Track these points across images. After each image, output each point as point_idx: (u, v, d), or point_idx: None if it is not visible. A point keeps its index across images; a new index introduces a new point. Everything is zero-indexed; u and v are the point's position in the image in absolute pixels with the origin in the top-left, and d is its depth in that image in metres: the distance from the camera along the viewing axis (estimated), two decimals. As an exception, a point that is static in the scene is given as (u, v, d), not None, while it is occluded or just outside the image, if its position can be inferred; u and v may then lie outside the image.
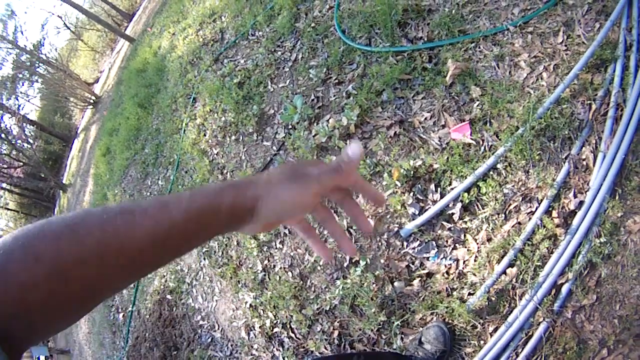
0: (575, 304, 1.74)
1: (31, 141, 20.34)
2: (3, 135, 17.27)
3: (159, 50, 7.69)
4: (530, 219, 1.95)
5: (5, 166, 17.52)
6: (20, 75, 21.93)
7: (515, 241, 1.92)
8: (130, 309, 4.69)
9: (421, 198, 2.31)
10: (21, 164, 18.28)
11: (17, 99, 23.62)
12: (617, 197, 1.79)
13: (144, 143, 6.14)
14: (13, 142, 18.01)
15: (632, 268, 1.67)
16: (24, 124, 19.45)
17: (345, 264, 2.49)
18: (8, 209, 28.10)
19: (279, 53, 3.82)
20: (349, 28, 3.22)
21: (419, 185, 2.33)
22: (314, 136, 2.91)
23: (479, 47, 2.47)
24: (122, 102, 8.67)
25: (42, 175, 18.05)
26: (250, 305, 2.96)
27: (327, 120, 2.90)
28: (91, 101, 16.94)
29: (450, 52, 2.54)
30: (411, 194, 2.33)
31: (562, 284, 1.79)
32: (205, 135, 4.28)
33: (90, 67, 24.56)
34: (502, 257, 1.95)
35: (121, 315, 5.08)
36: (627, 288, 1.67)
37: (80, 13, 18.65)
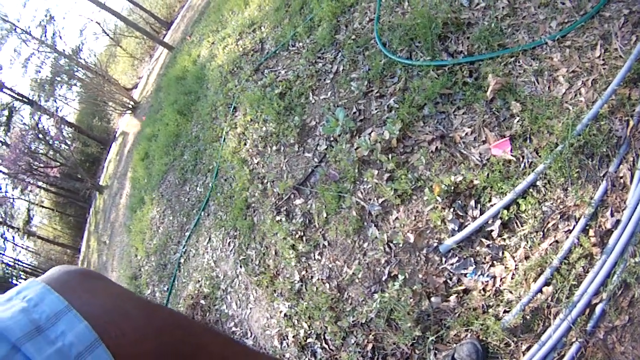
0: (608, 325, 1.72)
1: (69, 142, 20.94)
2: (40, 136, 17.86)
3: (199, 59, 7.87)
4: (567, 237, 1.93)
5: (42, 165, 18.08)
6: (59, 79, 22.64)
7: (552, 259, 1.90)
8: (162, 312, 4.78)
9: (461, 214, 2.31)
10: (58, 164, 18.85)
11: (56, 101, 24.45)
12: None
13: (183, 149, 6.27)
14: (50, 143, 18.61)
15: None
16: (62, 126, 20.06)
17: (383, 278, 2.50)
18: (43, 207, 28.98)
19: (320, 64, 3.87)
20: (390, 41, 3.25)
21: (459, 201, 2.33)
22: (355, 149, 2.93)
23: (519, 62, 2.47)
24: (162, 109, 8.89)
25: (79, 176, 18.60)
26: (285, 314, 2.99)
27: (369, 134, 2.92)
28: (130, 106, 17.39)
29: (490, 66, 2.54)
30: (451, 209, 2.33)
31: (596, 304, 1.76)
32: (245, 144, 4.35)
33: (129, 73, 25.23)
34: (539, 275, 1.93)
35: (154, 317, 5.18)
36: None
37: (119, 20, 19.20)
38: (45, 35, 23.47)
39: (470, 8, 2.89)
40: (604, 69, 2.14)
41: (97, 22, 25.40)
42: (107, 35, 26.18)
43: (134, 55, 25.32)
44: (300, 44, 4.39)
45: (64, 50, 21.15)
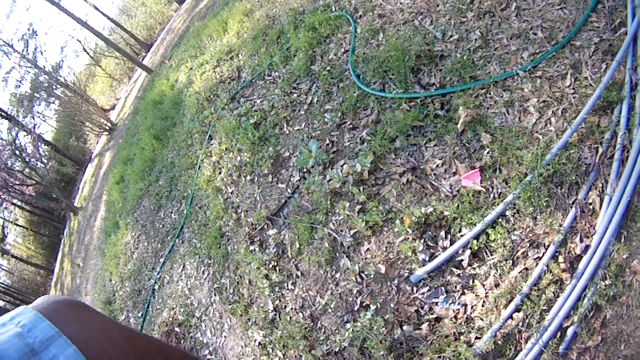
0: (581, 346, 1.76)
1: (45, 161, 20.51)
2: (17, 152, 17.49)
3: (176, 84, 7.87)
4: (537, 264, 1.99)
5: (17, 182, 17.67)
6: (37, 95, 22.29)
7: (522, 286, 1.96)
8: (137, 337, 4.69)
9: (431, 245, 2.36)
10: (34, 182, 18.43)
11: (34, 118, 23.99)
12: (622, 239, 1.83)
13: (159, 175, 6.23)
14: (27, 160, 18.22)
15: (637, 308, 1.69)
16: (39, 143, 19.63)
17: (356, 307, 2.51)
18: (17, 225, 28.18)
19: (295, 95, 3.93)
20: (364, 73, 3.32)
21: (430, 232, 2.38)
22: (328, 181, 2.97)
23: (490, 93, 2.55)
24: (138, 132, 8.82)
25: (54, 196, 18.17)
26: (260, 343, 2.98)
27: (342, 166, 2.97)
28: (107, 127, 17.18)
29: (461, 98, 2.63)
30: (422, 240, 2.38)
31: (567, 327, 1.81)
32: (220, 173, 4.36)
33: (107, 94, 24.97)
34: (509, 302, 1.98)
35: (128, 344, 5.07)
36: (632, 328, 1.69)
37: (99, 39, 19.11)
38: (27, 50, 23.12)
39: (444, 40, 2.99)
40: (574, 97, 2.23)
41: (78, 39, 25.23)
42: (88, 54, 25.99)
43: (113, 75, 25.15)
44: (276, 73, 4.45)
45: (44, 67, 20.84)
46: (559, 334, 1.82)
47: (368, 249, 2.61)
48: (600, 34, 2.34)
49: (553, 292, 1.89)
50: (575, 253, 1.92)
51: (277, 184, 3.54)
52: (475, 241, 2.16)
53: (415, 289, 2.33)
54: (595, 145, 2.06)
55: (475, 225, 2.20)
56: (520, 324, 1.92)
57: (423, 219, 2.38)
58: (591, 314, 1.78)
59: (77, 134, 24.15)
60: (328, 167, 3.10)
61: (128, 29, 22.01)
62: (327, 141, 3.25)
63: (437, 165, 2.57)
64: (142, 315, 4.77)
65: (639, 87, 2.08)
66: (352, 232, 2.73)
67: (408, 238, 2.43)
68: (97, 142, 20.74)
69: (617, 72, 2.15)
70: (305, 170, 3.28)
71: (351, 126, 3.16)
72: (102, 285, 6.92)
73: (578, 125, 2.09)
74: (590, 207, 1.97)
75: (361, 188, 2.75)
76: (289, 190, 3.39)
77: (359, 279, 2.56)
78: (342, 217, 2.82)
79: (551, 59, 2.40)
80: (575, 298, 1.82)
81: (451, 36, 2.96)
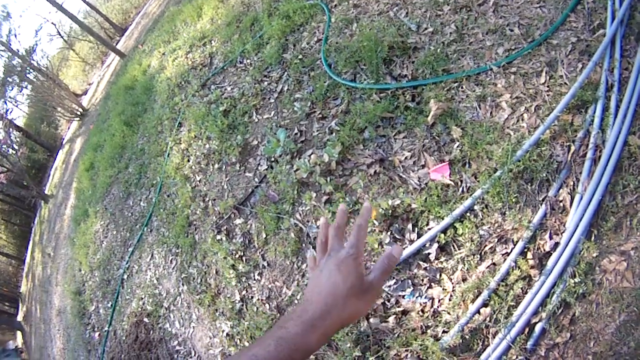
0: (549, 342, 1.77)
1: (16, 147, 19.96)
2: (-12, 139, 16.98)
3: (149, 69, 7.71)
4: (505, 260, 1.99)
5: (-12, 170, 17.19)
6: (10, 80, 21.60)
7: (489, 282, 1.96)
8: (106, 328, 4.62)
9: (398, 237, 2.34)
10: (5, 169, 17.94)
11: (6, 103, 23.26)
12: (592, 238, 1.84)
13: (128, 162, 6.11)
14: (-2, 147, 17.72)
15: (606, 306, 1.71)
16: (10, 129, 19.12)
17: (321, 300, 2.49)
18: (-13, 214, 27.39)
19: (265, 83, 3.87)
20: (335, 62, 3.28)
21: (397, 225, 2.37)
22: (295, 171, 2.93)
23: (462, 87, 2.54)
24: (109, 118, 8.62)
25: (25, 184, 17.72)
26: (227, 334, 2.95)
27: (309, 156, 2.93)
28: (78, 113, 16.72)
29: (433, 91, 2.61)
30: (389, 233, 2.37)
31: (535, 323, 1.82)
32: (189, 161, 4.29)
33: (79, 78, 24.31)
34: (477, 296, 1.98)
35: (97, 334, 5.00)
36: (601, 325, 1.70)
37: (74, 23, 18.55)
38: (1, 33, 22.36)
39: (418, 32, 2.96)
40: (548, 95, 2.23)
41: (53, 23, 24.45)
42: (62, 37, 25.22)
43: (86, 60, 24.47)
44: (248, 60, 4.38)
45: (18, 50, 20.12)
46: (526, 330, 1.83)
47: (334, 241, 2.59)
48: (578, 34, 2.34)
49: (521, 288, 1.90)
50: (544, 250, 1.93)
51: (245, 172, 3.49)
52: (443, 235, 2.16)
53: (382, 281, 2.32)
54: (568, 144, 2.06)
55: (443, 218, 2.20)
56: (488, 319, 1.92)
57: (390, 211, 2.37)
58: (560, 311, 1.79)
59: (49, 119, 23.49)
60: (296, 157, 3.07)
61: (103, 12, 21.39)
62: (296, 130, 3.21)
63: (406, 158, 2.55)
64: (111, 305, 4.70)
65: (614, 88, 2.08)
66: (318, 223, 2.70)
67: (375, 230, 2.41)
68: (69, 128, 20.23)
69: (593, 72, 2.16)
70: (273, 159, 3.23)
71: (320, 116, 3.12)
72: (72, 276, 6.80)
73: (551, 123, 2.09)
74: (561, 204, 1.97)
75: (328, 179, 2.73)
76: (256, 179, 3.35)
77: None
78: (308, 207, 2.79)
79: (527, 56, 2.40)
80: (543, 295, 1.82)
81: (426, 29, 2.94)
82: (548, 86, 2.26)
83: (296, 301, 2.62)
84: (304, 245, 2.73)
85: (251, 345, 0.63)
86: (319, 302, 0.66)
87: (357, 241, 0.73)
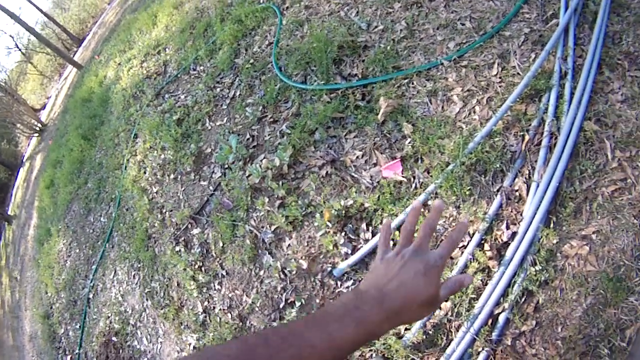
0: (514, 331, 1.78)
1: (-24, 168, 19.34)
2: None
3: (105, 80, 7.54)
4: (462, 253, 1.99)
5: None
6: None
7: (447, 276, 1.94)
8: (77, 351, 4.49)
9: (353, 237, 2.34)
10: (-35, 192, 17.32)
11: (-36, 122, 22.43)
12: (552, 225, 1.85)
13: (87, 177, 5.96)
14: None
15: (571, 291, 1.72)
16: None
17: (281, 305, 2.48)
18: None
19: (218, 89, 3.83)
20: (286, 65, 3.27)
21: (351, 225, 2.37)
22: (247, 177, 2.91)
23: (412, 83, 2.55)
24: (67, 133, 8.40)
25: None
26: (194, 347, 2.90)
27: (261, 161, 2.91)
28: (37, 129, 16.24)
29: (383, 88, 2.61)
30: (343, 233, 2.36)
31: (498, 314, 1.83)
32: (145, 172, 4.21)
33: (38, 92, 23.65)
34: (436, 292, 1.99)
35: (69, 357, 4.85)
36: (567, 310, 1.71)
37: (31, 35, 18.03)
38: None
39: (368, 31, 2.97)
40: (500, 86, 2.24)
41: (10, 35, 23.74)
42: (20, 50, 24.49)
43: (44, 73, 23.84)
44: (201, 67, 4.34)
45: (-25, 65, 19.46)
46: (490, 321, 1.83)
47: (289, 245, 2.58)
48: (531, 24, 2.36)
49: (481, 280, 1.90)
50: (502, 240, 1.93)
51: (200, 181, 3.45)
52: (397, 232, 2.15)
53: (339, 282, 2.32)
54: (522, 133, 2.07)
55: (397, 216, 2.19)
56: (450, 313, 1.92)
57: (343, 212, 2.36)
58: (523, 299, 1.79)
59: (9, 136, 22.77)
60: (248, 162, 3.04)
61: (60, 23, 20.90)
62: (248, 136, 3.19)
63: (357, 157, 2.55)
64: (80, 327, 4.56)
65: (568, 75, 2.11)
66: (272, 228, 2.69)
67: (329, 232, 2.40)
68: (29, 145, 19.63)
69: (547, 61, 2.18)
70: (226, 166, 3.20)
71: (272, 120, 3.11)
72: (39, 299, 6.58)
73: (503, 113, 2.09)
74: (517, 194, 1.98)
75: (280, 183, 2.71)
76: (210, 187, 3.31)
77: (282, 276, 2.53)
78: (262, 213, 2.77)
79: (478, 49, 2.41)
80: (504, 285, 1.82)
81: (376, 27, 2.96)
82: (500, 78, 2.28)
83: (257, 308, 2.59)
84: (259, 251, 2.71)
85: (318, 316, 0.61)
86: (399, 298, 0.64)
87: (448, 254, 0.72)
